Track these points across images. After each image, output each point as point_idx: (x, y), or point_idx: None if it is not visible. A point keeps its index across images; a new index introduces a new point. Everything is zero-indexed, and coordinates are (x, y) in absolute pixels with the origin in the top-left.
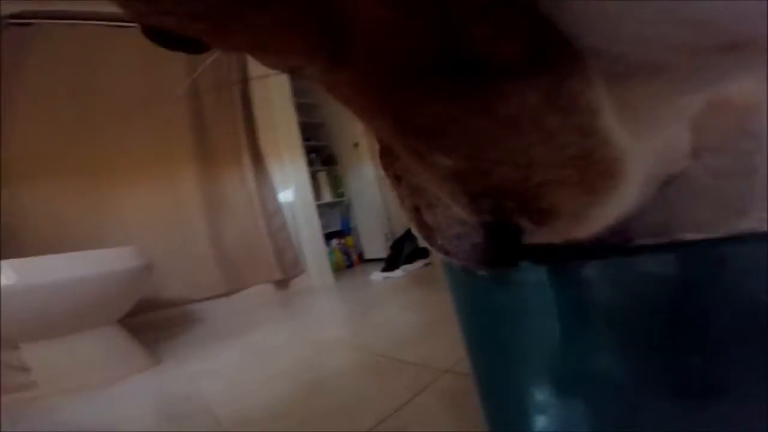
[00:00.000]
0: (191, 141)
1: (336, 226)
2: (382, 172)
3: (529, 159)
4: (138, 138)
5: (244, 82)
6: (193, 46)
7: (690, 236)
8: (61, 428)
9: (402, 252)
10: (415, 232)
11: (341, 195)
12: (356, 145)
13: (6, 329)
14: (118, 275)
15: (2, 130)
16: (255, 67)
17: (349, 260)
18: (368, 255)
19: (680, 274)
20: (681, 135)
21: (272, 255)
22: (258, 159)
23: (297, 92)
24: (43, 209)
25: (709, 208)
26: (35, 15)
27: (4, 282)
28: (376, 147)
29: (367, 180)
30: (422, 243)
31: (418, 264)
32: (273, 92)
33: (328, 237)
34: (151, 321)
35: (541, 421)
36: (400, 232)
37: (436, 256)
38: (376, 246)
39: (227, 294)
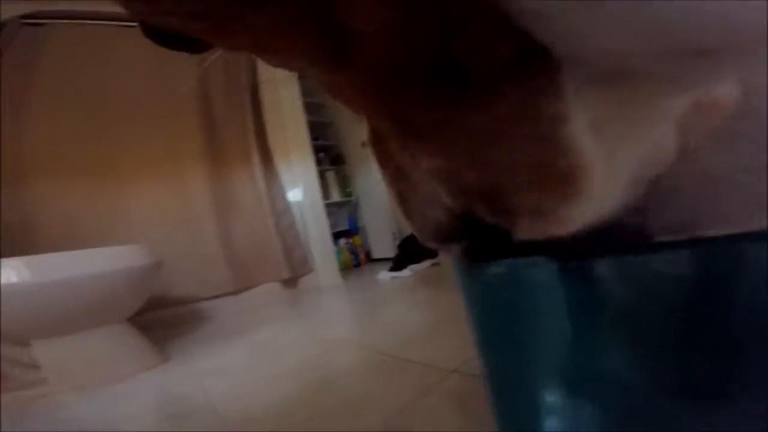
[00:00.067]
0: (201, 140)
1: (344, 226)
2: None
3: (490, 164)
4: (148, 137)
5: (254, 73)
6: (193, 45)
7: (711, 232)
8: (67, 425)
9: (409, 251)
10: (399, 214)
11: (349, 194)
12: (364, 144)
13: (17, 326)
14: (128, 273)
15: (14, 130)
16: (264, 70)
17: (356, 259)
18: (376, 254)
19: (699, 271)
20: (668, 135)
21: (281, 254)
22: (267, 158)
23: (305, 92)
24: (54, 207)
25: (730, 204)
26: (48, 15)
27: (16, 279)
28: (367, 132)
29: (375, 179)
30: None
31: (426, 264)
32: (282, 92)
33: (336, 236)
34: (160, 319)
35: (553, 422)
36: (407, 231)
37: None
38: (383, 245)
39: (236, 292)
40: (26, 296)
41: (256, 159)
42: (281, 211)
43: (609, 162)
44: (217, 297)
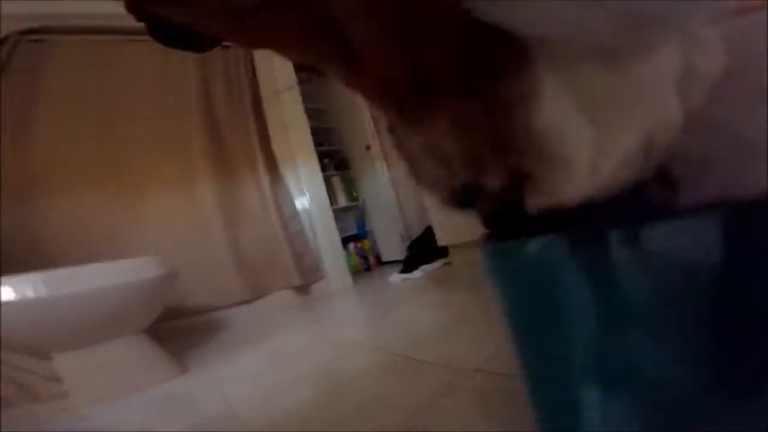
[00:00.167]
0: (206, 147)
1: (352, 230)
2: (394, 173)
3: (467, 138)
4: (153, 143)
5: (255, 80)
6: (197, 44)
7: (742, 197)
8: None
9: (420, 252)
10: (411, 183)
11: (356, 199)
12: (368, 147)
13: (35, 340)
14: (142, 285)
15: (21, 141)
16: (265, 75)
17: (366, 263)
18: (385, 257)
19: (729, 239)
20: (668, 105)
21: (291, 260)
22: (272, 164)
23: (306, 98)
24: (63, 218)
25: (760, 167)
26: (48, 30)
27: (33, 294)
28: (385, 123)
29: (380, 182)
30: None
31: (437, 264)
32: (284, 98)
33: (345, 241)
34: (176, 329)
35: (594, 418)
36: (416, 233)
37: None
38: (392, 248)
39: (249, 301)
40: (43, 310)
41: (261, 165)
42: (289, 217)
43: (597, 136)
44: (231, 306)
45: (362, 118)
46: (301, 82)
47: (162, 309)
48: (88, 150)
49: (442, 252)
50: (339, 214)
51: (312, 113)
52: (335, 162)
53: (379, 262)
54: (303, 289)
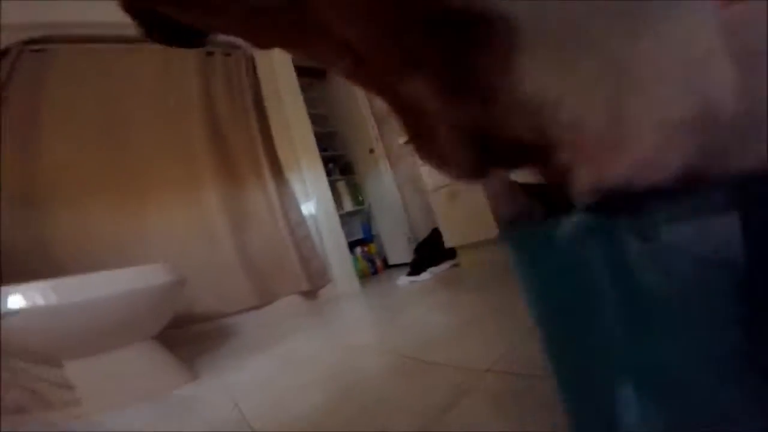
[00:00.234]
0: (210, 151)
1: (358, 234)
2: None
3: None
4: (157, 149)
5: (257, 86)
6: (191, 41)
7: None
8: None
9: (427, 255)
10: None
11: (361, 203)
12: (372, 150)
13: (46, 347)
14: (151, 292)
15: (26, 150)
16: (267, 81)
17: (373, 267)
18: (392, 260)
19: None
20: (719, 71)
21: (298, 265)
22: (277, 170)
23: (307, 103)
24: (69, 226)
25: None
26: (50, 40)
27: (43, 302)
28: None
29: (385, 185)
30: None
31: (445, 265)
32: (287, 103)
33: (351, 246)
34: (186, 335)
35: (629, 415)
36: (422, 235)
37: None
38: (399, 251)
39: (258, 307)
40: (53, 318)
41: (266, 171)
42: (295, 222)
43: (635, 105)
44: (240, 312)
45: (364, 122)
46: (302, 88)
47: (172, 315)
48: (92, 158)
49: (450, 253)
50: (345, 218)
51: (314, 119)
52: (340, 167)
53: (387, 266)
54: (311, 294)
